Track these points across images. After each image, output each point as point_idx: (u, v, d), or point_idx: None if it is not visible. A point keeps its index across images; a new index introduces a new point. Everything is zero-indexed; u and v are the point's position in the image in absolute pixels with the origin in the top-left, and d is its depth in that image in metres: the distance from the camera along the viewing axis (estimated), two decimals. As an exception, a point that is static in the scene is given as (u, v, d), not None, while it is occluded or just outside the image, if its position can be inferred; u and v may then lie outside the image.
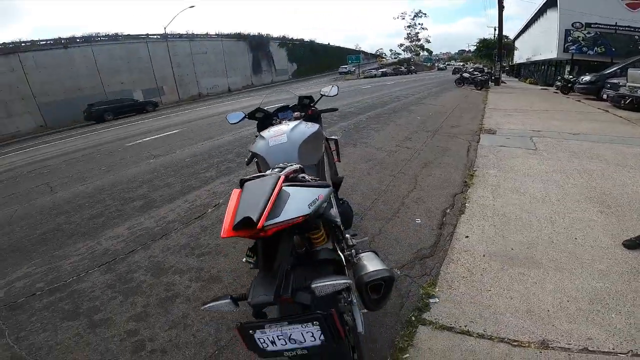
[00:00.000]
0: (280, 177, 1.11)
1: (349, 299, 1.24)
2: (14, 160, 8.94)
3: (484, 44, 35.68)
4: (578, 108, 9.72)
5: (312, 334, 0.94)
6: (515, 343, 1.55)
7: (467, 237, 2.41)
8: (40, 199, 4.43)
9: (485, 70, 23.88)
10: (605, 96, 10.83)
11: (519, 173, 3.74)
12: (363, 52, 55.19)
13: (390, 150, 5.02)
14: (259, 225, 0.88)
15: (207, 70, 28.82)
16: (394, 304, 1.84)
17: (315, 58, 41.24)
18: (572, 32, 20.34)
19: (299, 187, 1.15)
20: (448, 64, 69.76)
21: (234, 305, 0.95)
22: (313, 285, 0.95)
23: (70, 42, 22.01)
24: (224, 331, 1.78)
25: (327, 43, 47.20)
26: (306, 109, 2.29)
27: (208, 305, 1.01)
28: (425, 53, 61.44)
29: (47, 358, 1.73)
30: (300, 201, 1.05)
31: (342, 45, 52.35)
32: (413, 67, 48.49)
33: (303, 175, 1.35)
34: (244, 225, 0.90)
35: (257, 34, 34.75)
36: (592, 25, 19.80)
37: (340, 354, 1.10)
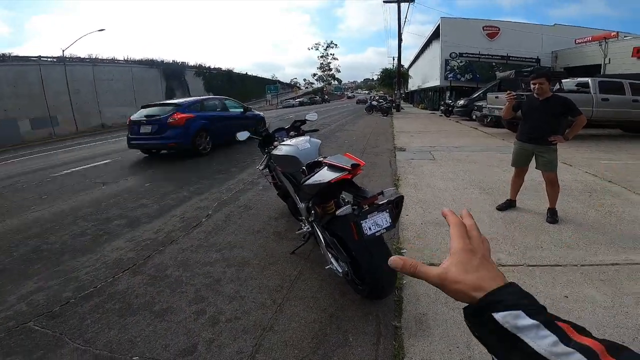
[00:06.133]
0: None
1: None
2: None
3: (386, 73, 39.53)
4: (457, 128, 12.70)
5: (385, 218, 1.65)
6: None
7: (407, 215, 3.59)
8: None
9: (388, 98, 27.94)
10: (474, 117, 14.09)
11: (427, 175, 5.26)
12: (280, 82, 57.31)
13: (333, 168, 6.18)
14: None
15: (113, 99, 25.62)
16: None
17: (232, 88, 40.87)
18: (449, 61, 23.95)
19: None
20: (356, 93, 77.25)
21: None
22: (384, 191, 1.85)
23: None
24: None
25: (244, 73, 47.76)
26: (298, 130, 3.21)
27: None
28: (336, 82, 65.75)
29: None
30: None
31: (259, 75, 54.03)
32: (327, 97, 52.78)
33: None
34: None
35: (171, 61, 32.45)
36: (463, 55, 23.75)
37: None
